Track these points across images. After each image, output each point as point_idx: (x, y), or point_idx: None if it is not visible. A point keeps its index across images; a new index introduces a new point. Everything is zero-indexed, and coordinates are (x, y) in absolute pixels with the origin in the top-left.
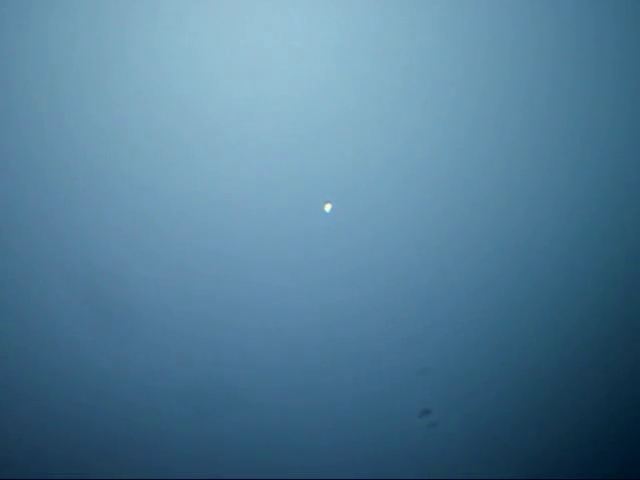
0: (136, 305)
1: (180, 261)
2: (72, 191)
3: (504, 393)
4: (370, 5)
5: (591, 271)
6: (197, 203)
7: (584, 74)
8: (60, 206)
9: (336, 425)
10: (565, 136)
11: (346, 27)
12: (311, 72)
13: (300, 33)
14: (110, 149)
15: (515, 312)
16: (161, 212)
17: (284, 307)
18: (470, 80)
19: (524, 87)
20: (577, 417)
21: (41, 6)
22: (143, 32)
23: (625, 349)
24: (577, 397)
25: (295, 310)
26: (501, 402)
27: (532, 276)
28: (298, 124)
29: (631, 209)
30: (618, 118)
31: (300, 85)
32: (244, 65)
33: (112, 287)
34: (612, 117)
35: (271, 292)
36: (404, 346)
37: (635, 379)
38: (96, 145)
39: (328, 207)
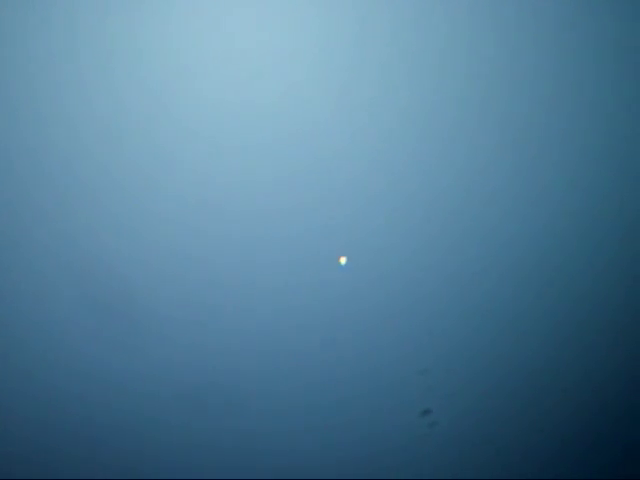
0: (138, 307)
1: (184, 265)
2: (74, 188)
3: (505, 393)
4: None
5: (594, 272)
6: (205, 204)
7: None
8: (62, 203)
9: (335, 425)
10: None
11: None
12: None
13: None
14: (115, 146)
15: (516, 312)
16: (168, 213)
17: (283, 307)
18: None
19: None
20: (580, 417)
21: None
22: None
23: (630, 352)
24: (580, 397)
25: (294, 311)
26: (502, 402)
27: (533, 276)
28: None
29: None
30: (620, 120)
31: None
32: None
33: (114, 288)
34: (612, 119)
35: (271, 292)
36: (404, 346)
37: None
38: (99, 140)
39: (343, 260)
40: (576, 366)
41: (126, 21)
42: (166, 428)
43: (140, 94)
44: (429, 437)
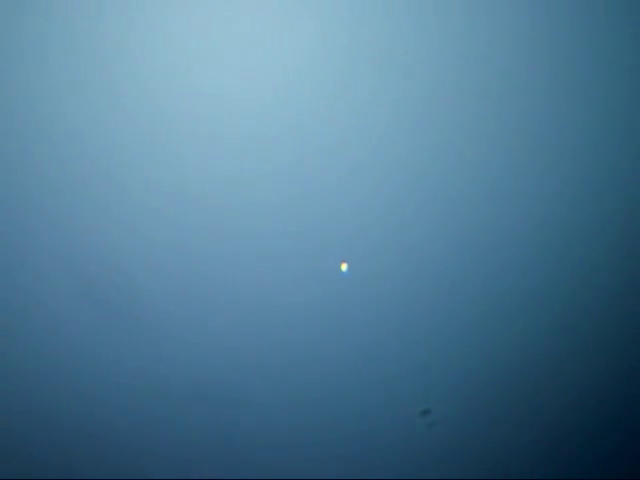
0: (139, 303)
1: (185, 261)
2: (75, 185)
3: (505, 393)
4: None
5: (591, 271)
6: (205, 199)
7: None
8: (63, 201)
9: (335, 425)
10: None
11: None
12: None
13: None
14: (113, 142)
15: (516, 312)
16: (168, 209)
17: (288, 306)
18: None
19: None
20: (579, 417)
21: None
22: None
23: (627, 351)
24: (579, 397)
25: (297, 311)
26: (502, 402)
27: (532, 276)
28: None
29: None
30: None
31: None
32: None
33: (115, 284)
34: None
35: (272, 288)
36: (404, 345)
37: (636, 381)
38: (101, 137)
39: (344, 266)
40: (578, 367)
41: (124, 20)
42: (168, 423)
43: (137, 92)
44: (428, 437)
